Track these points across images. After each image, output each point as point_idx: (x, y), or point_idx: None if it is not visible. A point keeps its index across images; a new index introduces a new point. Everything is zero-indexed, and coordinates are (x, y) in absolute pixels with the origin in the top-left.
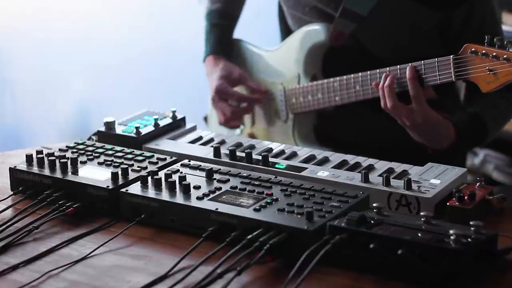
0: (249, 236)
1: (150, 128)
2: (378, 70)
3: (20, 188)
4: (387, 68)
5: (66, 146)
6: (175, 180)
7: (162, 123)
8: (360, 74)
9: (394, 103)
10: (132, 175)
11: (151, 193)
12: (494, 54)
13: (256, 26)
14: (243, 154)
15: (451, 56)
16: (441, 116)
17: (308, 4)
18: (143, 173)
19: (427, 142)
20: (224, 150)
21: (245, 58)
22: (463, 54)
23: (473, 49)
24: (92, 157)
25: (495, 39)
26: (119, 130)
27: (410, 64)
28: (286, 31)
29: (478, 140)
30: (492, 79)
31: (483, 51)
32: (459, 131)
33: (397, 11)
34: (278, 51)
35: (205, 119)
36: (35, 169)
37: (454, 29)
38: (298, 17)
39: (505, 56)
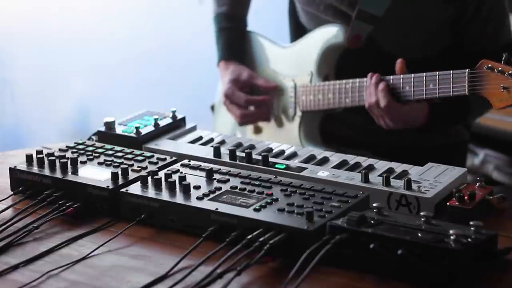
0: (249, 236)
1: (150, 128)
2: (392, 77)
3: (20, 188)
4: (391, 77)
5: (66, 146)
6: (175, 180)
7: (162, 123)
8: None
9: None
10: (132, 175)
11: (151, 193)
12: (510, 72)
13: (255, 25)
14: (243, 154)
15: (467, 70)
16: (413, 106)
17: (322, 1)
18: (143, 173)
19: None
20: (224, 150)
21: (258, 51)
22: (479, 69)
23: (489, 65)
24: (92, 157)
25: None
26: (119, 130)
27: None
28: (297, 28)
29: (457, 117)
30: (505, 97)
31: (499, 68)
32: (433, 109)
33: (411, 8)
34: (293, 48)
35: (212, 108)
36: (35, 169)
37: (464, 19)
38: (312, 14)
39: None
